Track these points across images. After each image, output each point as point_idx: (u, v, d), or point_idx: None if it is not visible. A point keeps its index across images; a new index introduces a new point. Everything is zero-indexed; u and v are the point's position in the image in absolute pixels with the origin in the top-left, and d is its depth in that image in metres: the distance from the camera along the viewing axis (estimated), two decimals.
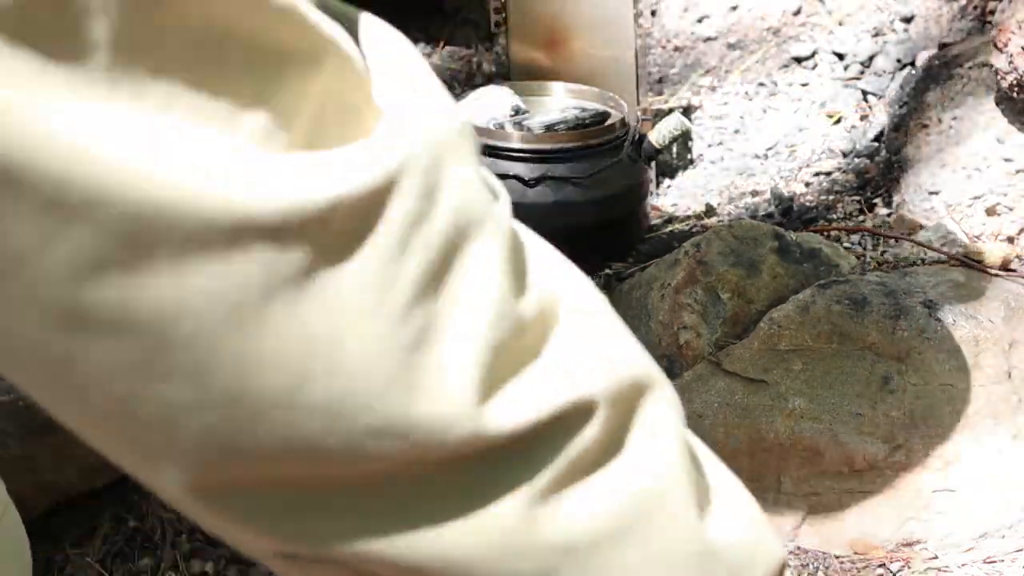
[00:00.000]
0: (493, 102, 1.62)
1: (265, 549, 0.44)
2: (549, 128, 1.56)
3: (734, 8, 2.25)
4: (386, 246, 0.40)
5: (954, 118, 1.58)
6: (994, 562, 1.13)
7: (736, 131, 1.97)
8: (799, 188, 1.72)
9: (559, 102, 1.66)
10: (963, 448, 1.16)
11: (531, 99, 1.66)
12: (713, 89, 2.12)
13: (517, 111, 1.59)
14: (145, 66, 0.36)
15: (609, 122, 1.56)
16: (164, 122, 0.36)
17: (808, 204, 1.66)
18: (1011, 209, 1.49)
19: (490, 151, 1.52)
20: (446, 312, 0.42)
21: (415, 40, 2.30)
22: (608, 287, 1.52)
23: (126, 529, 1.19)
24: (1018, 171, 1.50)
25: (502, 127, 1.55)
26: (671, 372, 1.31)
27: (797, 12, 2.22)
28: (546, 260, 0.48)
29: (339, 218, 0.39)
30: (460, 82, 2.18)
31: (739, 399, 1.22)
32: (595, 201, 1.51)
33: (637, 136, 1.56)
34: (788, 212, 1.64)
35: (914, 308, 1.24)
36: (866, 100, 1.93)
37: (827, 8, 2.22)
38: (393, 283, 0.40)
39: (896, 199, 1.59)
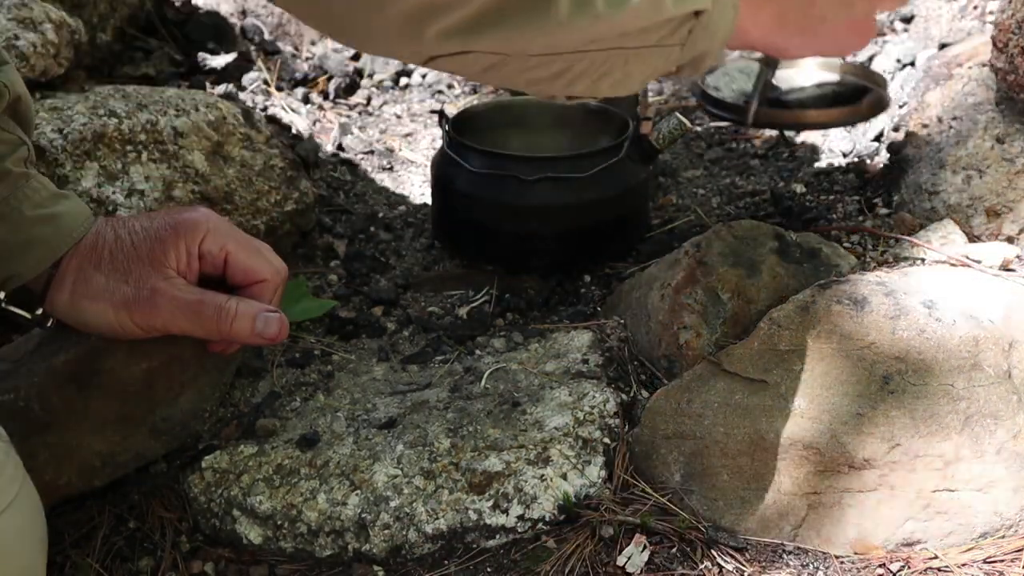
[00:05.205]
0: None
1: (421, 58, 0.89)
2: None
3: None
4: None
5: (954, 118, 1.58)
6: (994, 562, 1.13)
7: (736, 131, 1.97)
8: (799, 188, 1.72)
9: (560, 102, 1.66)
10: (963, 448, 1.16)
11: (531, 99, 1.66)
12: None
13: None
14: None
15: (609, 122, 1.56)
16: None
17: (808, 204, 1.66)
18: (1011, 209, 1.49)
19: (489, 151, 1.52)
20: None
21: None
22: (608, 287, 1.52)
23: (126, 529, 1.19)
24: (1018, 171, 1.50)
25: None
26: (671, 372, 1.31)
27: None
28: None
29: None
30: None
31: (739, 399, 1.22)
32: (595, 201, 1.51)
33: (637, 136, 1.55)
34: (788, 212, 1.64)
35: (914, 308, 1.24)
36: None
37: None
38: None
39: (896, 199, 1.59)
